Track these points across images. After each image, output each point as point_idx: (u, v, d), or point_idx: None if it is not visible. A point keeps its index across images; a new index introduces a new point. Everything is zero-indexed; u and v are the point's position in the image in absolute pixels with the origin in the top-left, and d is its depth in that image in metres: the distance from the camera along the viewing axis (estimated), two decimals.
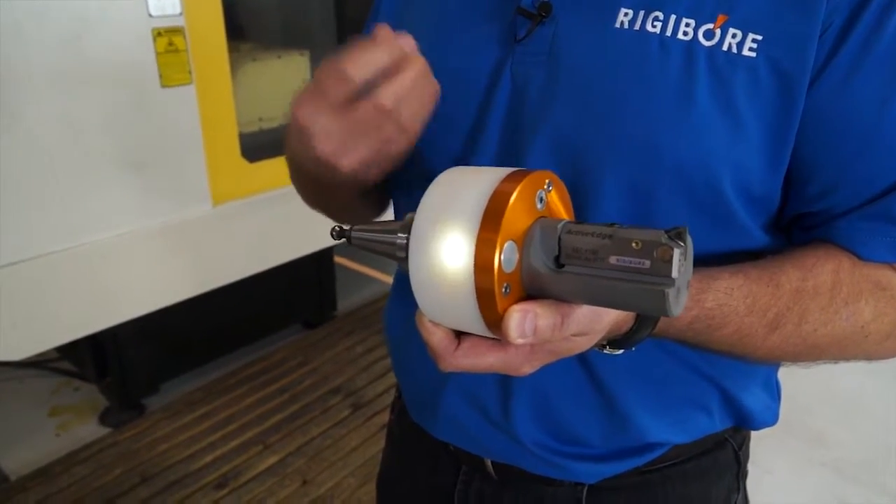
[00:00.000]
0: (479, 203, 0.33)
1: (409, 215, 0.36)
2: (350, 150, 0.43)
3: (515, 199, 0.32)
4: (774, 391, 0.62)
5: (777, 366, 0.61)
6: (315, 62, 2.13)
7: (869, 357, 0.49)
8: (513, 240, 0.32)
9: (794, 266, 0.46)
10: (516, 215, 0.33)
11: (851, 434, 2.01)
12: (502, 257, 0.32)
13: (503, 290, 0.32)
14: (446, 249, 0.33)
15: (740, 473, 0.63)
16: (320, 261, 2.38)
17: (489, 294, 0.32)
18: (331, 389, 2.11)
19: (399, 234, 0.37)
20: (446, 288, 0.34)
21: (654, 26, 0.44)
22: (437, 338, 0.36)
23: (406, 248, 0.36)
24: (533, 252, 0.33)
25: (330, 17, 2.25)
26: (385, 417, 1.97)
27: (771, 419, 0.60)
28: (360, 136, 0.42)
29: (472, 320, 0.34)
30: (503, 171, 0.35)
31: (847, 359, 0.49)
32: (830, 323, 0.45)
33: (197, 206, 1.77)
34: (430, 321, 0.36)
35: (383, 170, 0.47)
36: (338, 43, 2.29)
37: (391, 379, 2.16)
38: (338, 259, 2.69)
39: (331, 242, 2.25)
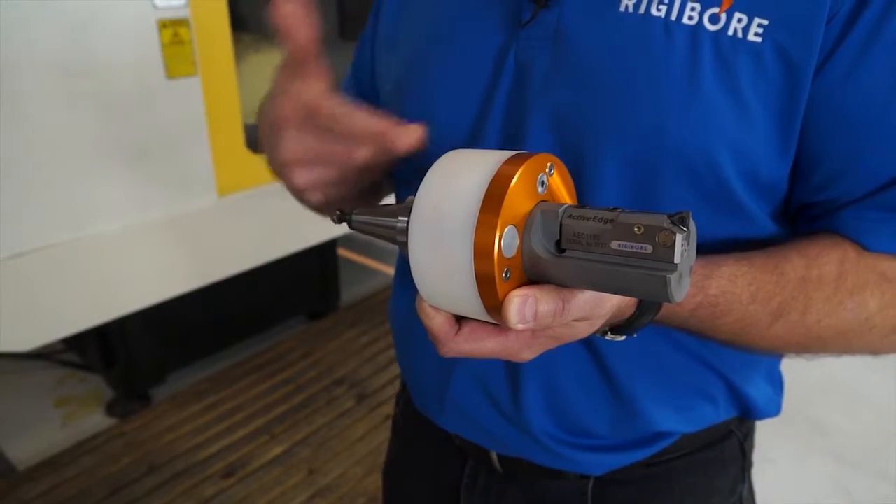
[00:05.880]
0: (479, 186, 0.32)
1: (410, 198, 0.36)
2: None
3: (516, 183, 0.32)
4: (778, 383, 0.62)
5: (780, 358, 0.60)
6: None
7: (875, 351, 0.48)
8: (513, 224, 0.32)
9: (799, 255, 0.45)
10: (517, 199, 0.32)
11: (851, 422, 2.00)
12: (502, 242, 0.31)
13: (503, 275, 0.32)
14: (446, 234, 0.33)
15: (745, 465, 0.63)
16: (324, 253, 2.38)
17: (489, 279, 0.32)
18: (335, 380, 2.12)
19: (399, 218, 0.36)
20: (446, 273, 0.33)
21: (658, 10, 0.43)
22: (436, 322, 0.36)
23: (406, 231, 0.35)
24: (534, 237, 0.33)
25: (331, 6, 2.24)
26: (389, 408, 1.99)
27: (774, 410, 0.60)
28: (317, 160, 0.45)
29: (471, 305, 0.34)
30: (504, 154, 0.34)
31: (852, 352, 0.48)
32: (835, 314, 0.45)
33: (202, 198, 1.78)
34: (431, 306, 0.36)
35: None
36: (339, 33, 2.27)
37: (395, 370, 2.16)
38: (341, 251, 2.69)
39: (334, 234, 2.25)
